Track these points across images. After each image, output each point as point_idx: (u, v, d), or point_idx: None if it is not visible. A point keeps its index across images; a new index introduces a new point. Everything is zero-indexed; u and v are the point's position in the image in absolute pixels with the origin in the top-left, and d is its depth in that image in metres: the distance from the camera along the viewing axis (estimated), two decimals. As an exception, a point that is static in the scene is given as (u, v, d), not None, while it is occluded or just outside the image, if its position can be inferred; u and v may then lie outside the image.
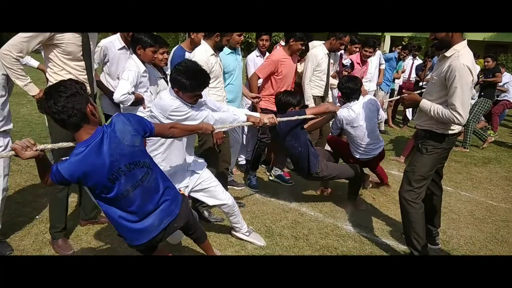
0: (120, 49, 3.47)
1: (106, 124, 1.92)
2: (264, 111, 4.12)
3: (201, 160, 2.94)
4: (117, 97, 2.92)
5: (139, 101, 3.08)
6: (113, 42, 3.47)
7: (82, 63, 2.70)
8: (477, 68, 7.94)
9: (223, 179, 3.75)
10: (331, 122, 4.24)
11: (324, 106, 3.75)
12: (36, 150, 1.77)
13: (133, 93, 2.98)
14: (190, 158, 2.81)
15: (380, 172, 4.37)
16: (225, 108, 3.00)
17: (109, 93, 3.39)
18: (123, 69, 3.08)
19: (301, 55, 4.64)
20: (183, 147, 2.72)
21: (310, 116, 3.50)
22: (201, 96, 2.64)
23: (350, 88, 3.89)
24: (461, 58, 2.55)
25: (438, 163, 2.92)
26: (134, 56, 3.09)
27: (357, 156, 4.00)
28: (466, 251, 3.26)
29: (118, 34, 3.49)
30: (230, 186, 4.06)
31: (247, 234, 3.12)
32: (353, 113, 3.86)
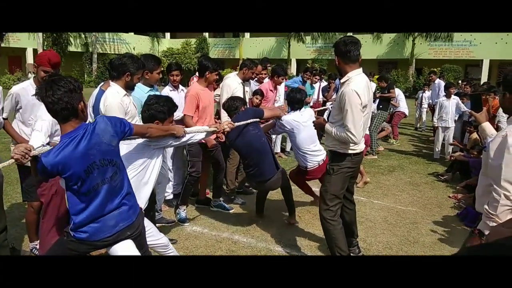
0: (34, 95, 3.28)
1: (91, 122, 2.10)
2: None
3: None
4: None
5: None
6: (26, 88, 3.25)
7: None
8: (372, 87, 8.88)
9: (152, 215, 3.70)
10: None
11: (278, 111, 4.30)
12: (33, 155, 1.97)
13: (48, 143, 2.85)
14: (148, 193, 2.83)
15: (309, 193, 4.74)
16: None
17: (22, 142, 3.20)
18: (36, 118, 2.95)
19: (216, 82, 4.90)
20: (154, 179, 2.78)
21: (256, 120, 3.84)
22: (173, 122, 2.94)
23: (296, 99, 4.35)
24: (352, 84, 2.90)
25: (347, 181, 3.18)
26: None
27: (300, 164, 4.37)
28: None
29: (32, 79, 3.31)
30: (159, 224, 4.00)
31: None
32: (296, 120, 4.22)
